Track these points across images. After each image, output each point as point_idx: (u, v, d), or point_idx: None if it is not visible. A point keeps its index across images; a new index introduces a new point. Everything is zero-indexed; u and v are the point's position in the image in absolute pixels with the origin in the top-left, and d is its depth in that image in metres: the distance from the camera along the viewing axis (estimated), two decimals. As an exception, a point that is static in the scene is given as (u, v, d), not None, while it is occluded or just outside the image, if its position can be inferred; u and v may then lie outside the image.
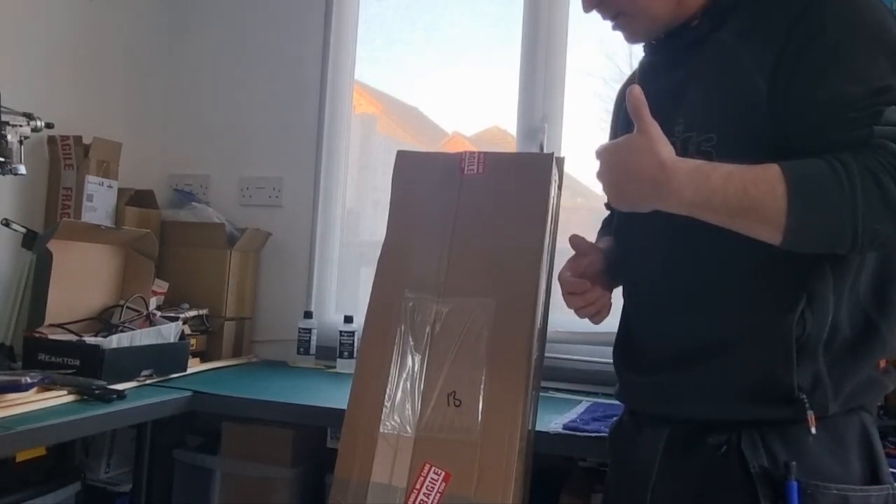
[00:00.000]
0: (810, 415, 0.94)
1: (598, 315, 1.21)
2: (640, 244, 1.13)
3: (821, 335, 0.96)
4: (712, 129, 1.00)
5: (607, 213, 1.41)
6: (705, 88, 1.04)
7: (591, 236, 1.39)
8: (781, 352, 0.96)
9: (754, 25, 1.00)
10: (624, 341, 1.20)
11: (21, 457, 1.70)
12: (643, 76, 1.20)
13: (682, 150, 1.03)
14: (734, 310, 1.00)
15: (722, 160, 0.97)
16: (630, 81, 1.25)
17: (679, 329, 1.06)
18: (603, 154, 0.99)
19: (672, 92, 1.08)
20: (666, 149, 0.93)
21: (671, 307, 1.07)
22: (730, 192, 0.89)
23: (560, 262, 1.47)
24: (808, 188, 0.88)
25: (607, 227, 1.40)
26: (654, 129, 0.94)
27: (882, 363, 1.02)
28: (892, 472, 1.00)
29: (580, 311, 1.21)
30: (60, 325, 1.87)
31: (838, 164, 0.87)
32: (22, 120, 1.81)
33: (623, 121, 1.23)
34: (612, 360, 1.23)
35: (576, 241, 1.23)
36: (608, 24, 1.16)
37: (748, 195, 0.89)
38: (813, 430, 0.94)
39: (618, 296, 1.25)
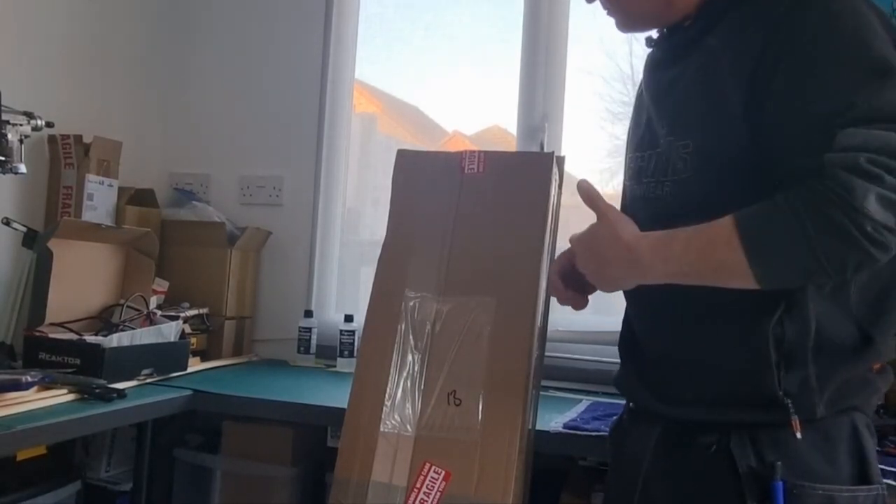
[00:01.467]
0: (795, 419, 0.95)
1: (576, 307, 1.22)
2: None
3: (805, 342, 0.96)
4: (689, 137, 1.01)
5: None
6: (687, 94, 1.04)
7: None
8: (760, 358, 0.96)
9: (740, 32, 0.99)
10: (626, 335, 1.21)
11: (21, 456, 1.70)
12: (646, 69, 1.21)
13: (666, 154, 1.04)
14: (716, 316, 1.00)
15: (697, 171, 0.99)
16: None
17: (667, 332, 1.07)
18: (575, 246, 1.05)
19: (665, 92, 1.09)
20: (628, 229, 0.98)
21: (659, 310, 1.08)
22: (693, 258, 0.92)
23: (560, 261, 1.47)
24: (762, 239, 0.88)
25: None
26: (612, 212, 1.00)
27: (876, 365, 1.02)
28: (888, 471, 1.00)
29: (560, 302, 1.24)
30: (61, 324, 1.87)
31: (786, 207, 0.86)
32: (22, 119, 1.81)
33: (634, 116, 1.23)
34: (612, 359, 1.25)
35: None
36: (608, 22, 1.17)
37: (709, 258, 0.91)
38: (798, 435, 0.95)
39: (621, 295, 1.25)
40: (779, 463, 0.94)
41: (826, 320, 0.96)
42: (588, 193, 1.00)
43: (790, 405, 0.95)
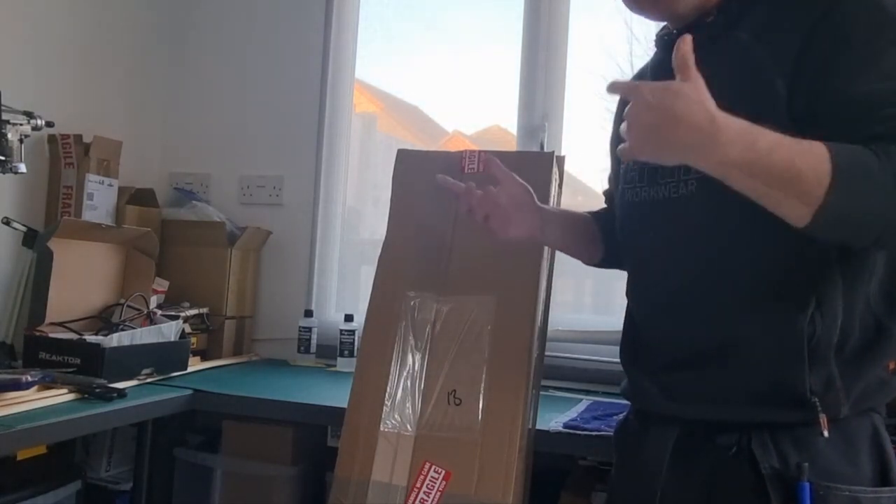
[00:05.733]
0: (822, 418, 0.94)
1: (489, 220, 1.19)
2: (648, 246, 1.12)
3: (831, 339, 0.96)
4: None
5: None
6: (722, 88, 1.01)
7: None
8: (792, 355, 0.96)
9: (772, 24, 0.99)
10: (631, 341, 1.19)
11: (22, 455, 1.70)
12: (657, 74, 1.18)
13: None
14: (744, 313, 1.00)
15: None
16: (640, 77, 1.24)
17: (688, 331, 1.06)
18: (642, 93, 0.89)
19: None
20: (712, 103, 0.87)
21: (680, 309, 1.06)
22: (775, 160, 0.85)
23: (560, 261, 1.47)
24: (853, 173, 0.85)
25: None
26: (701, 81, 0.88)
27: (892, 364, 1.01)
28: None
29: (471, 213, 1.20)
30: (61, 324, 1.87)
31: (884, 157, 0.85)
32: (22, 118, 1.81)
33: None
34: (612, 359, 1.23)
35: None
36: (608, 22, 1.16)
37: (794, 167, 0.85)
38: (825, 433, 0.94)
39: (621, 294, 1.24)
40: (806, 464, 0.94)
41: (849, 315, 0.96)
42: (686, 52, 0.88)
43: (817, 404, 0.94)
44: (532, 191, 1.23)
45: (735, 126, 0.87)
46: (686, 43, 0.88)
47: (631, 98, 0.91)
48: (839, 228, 0.88)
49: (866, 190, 0.85)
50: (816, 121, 0.93)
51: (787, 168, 0.85)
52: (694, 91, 0.87)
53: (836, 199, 0.84)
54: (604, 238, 1.30)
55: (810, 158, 0.85)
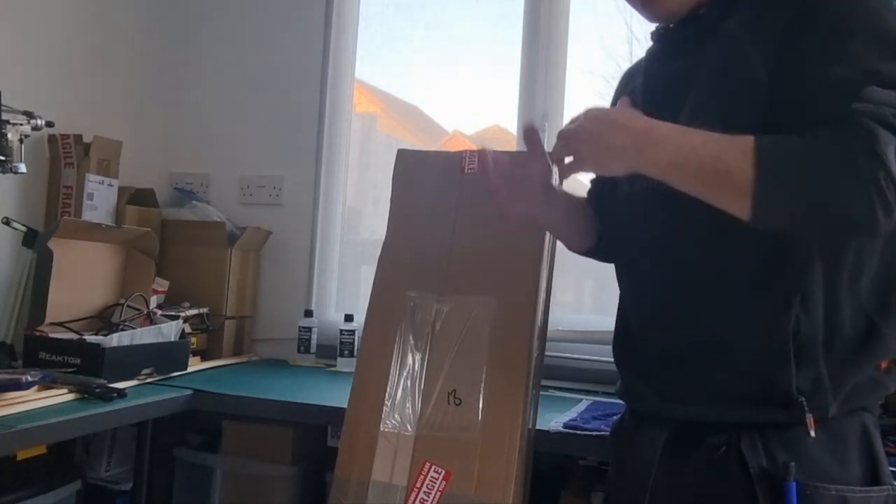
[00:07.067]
0: (809, 418, 0.94)
1: (517, 204, 1.16)
2: (637, 244, 1.12)
3: (817, 337, 0.96)
4: (717, 121, 0.99)
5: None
6: (710, 79, 1.03)
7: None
8: (777, 354, 0.96)
9: (759, 14, 1.00)
10: (622, 339, 1.19)
11: (22, 455, 1.70)
12: (650, 65, 1.19)
13: None
14: (729, 312, 1.00)
15: None
16: (635, 70, 1.24)
17: (675, 330, 1.06)
18: (588, 112, 1.01)
19: (678, 81, 1.07)
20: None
21: (667, 308, 1.07)
22: (704, 155, 0.89)
23: (560, 261, 1.47)
24: (777, 159, 0.87)
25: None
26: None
27: (884, 363, 1.01)
28: (894, 472, 1.00)
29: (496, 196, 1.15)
30: (61, 324, 1.87)
31: (812, 140, 0.86)
32: (22, 118, 1.81)
33: None
34: (612, 359, 1.22)
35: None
36: (608, 22, 1.16)
37: (720, 160, 0.88)
38: (812, 433, 0.94)
39: (615, 294, 1.24)
40: (793, 463, 0.94)
41: (836, 313, 0.96)
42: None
43: (804, 403, 0.94)
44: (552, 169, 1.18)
45: (666, 126, 0.95)
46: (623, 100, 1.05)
47: (581, 117, 1.01)
48: (779, 219, 0.89)
49: (793, 177, 0.86)
50: (787, 106, 0.94)
51: (714, 162, 0.89)
52: (629, 108, 1.02)
53: (765, 191, 0.86)
54: (597, 225, 1.29)
55: (735, 151, 0.88)
